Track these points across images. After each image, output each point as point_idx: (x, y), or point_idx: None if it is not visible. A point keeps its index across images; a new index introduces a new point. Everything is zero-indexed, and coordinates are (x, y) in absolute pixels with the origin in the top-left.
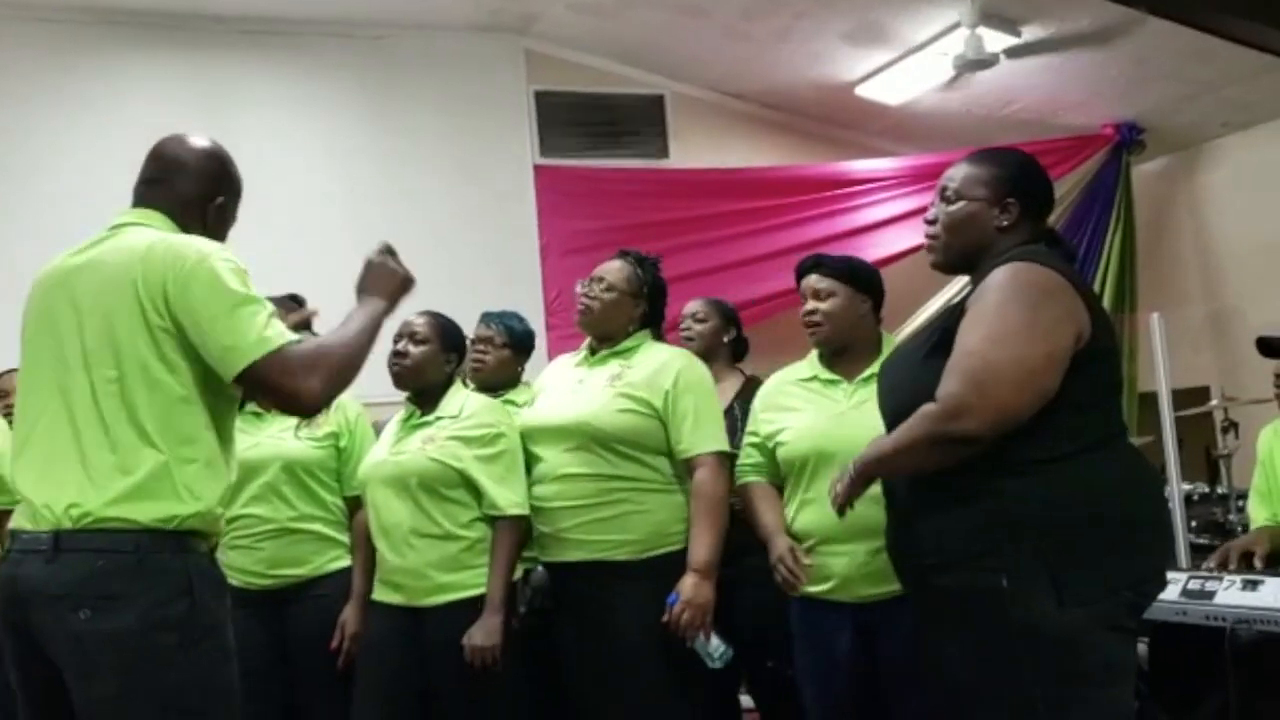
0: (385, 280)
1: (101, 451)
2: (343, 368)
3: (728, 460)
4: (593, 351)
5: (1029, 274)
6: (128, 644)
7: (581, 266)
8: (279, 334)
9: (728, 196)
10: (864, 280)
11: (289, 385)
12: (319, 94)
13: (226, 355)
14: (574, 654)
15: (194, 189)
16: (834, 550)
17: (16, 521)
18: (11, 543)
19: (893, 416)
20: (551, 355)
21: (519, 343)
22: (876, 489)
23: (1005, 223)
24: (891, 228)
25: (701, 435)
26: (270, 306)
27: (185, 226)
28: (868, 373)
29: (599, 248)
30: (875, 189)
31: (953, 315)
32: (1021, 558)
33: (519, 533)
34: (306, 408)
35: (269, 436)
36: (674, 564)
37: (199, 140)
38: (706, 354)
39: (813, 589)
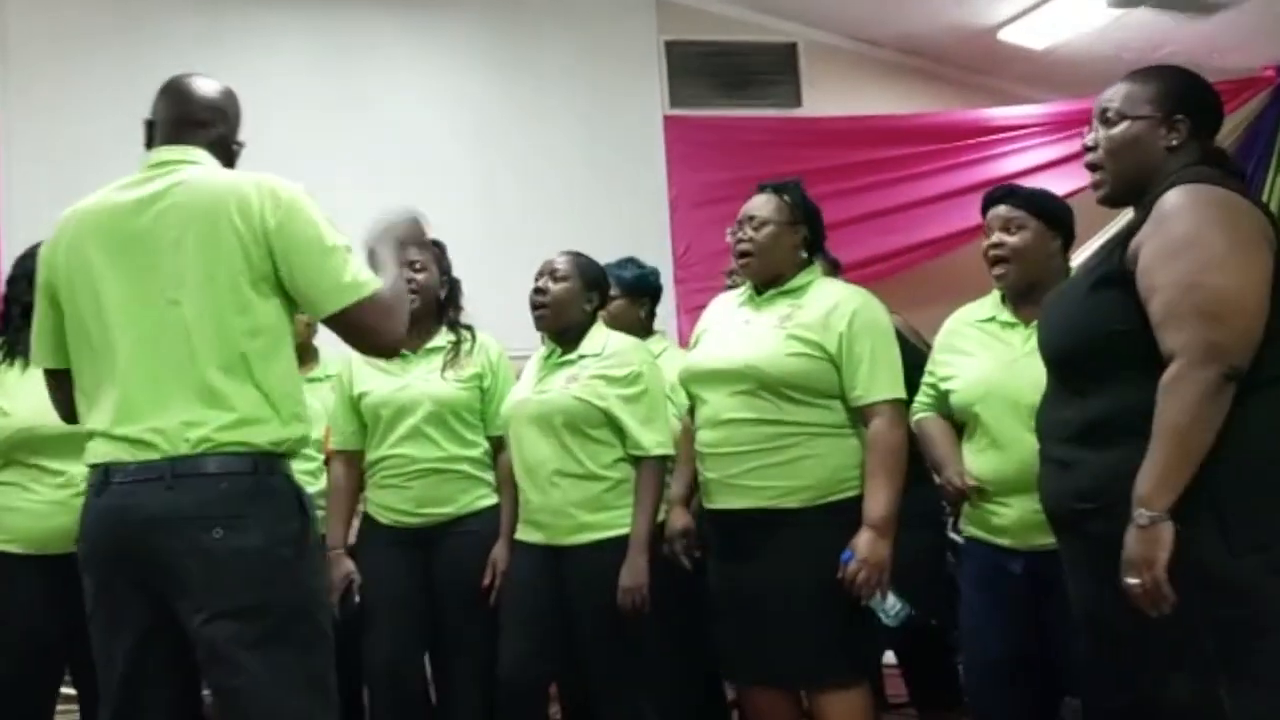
0: (406, 232)
1: (204, 380)
2: (406, 310)
3: (905, 407)
4: (759, 291)
5: (1209, 194)
6: (256, 559)
7: (711, 219)
8: (371, 278)
9: (863, 146)
10: (1057, 215)
11: (385, 328)
12: (448, 45)
13: (323, 296)
14: (738, 602)
15: (230, 133)
16: (1007, 500)
17: (104, 456)
18: (104, 476)
19: (1058, 358)
20: (680, 310)
21: (631, 289)
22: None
23: (1175, 142)
24: (1035, 177)
25: (878, 381)
26: (349, 245)
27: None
28: None
29: (730, 200)
30: (1018, 137)
31: (1120, 246)
32: (1190, 500)
33: (663, 473)
34: (392, 349)
35: (416, 378)
36: (848, 512)
37: (217, 83)
38: None
39: (985, 535)
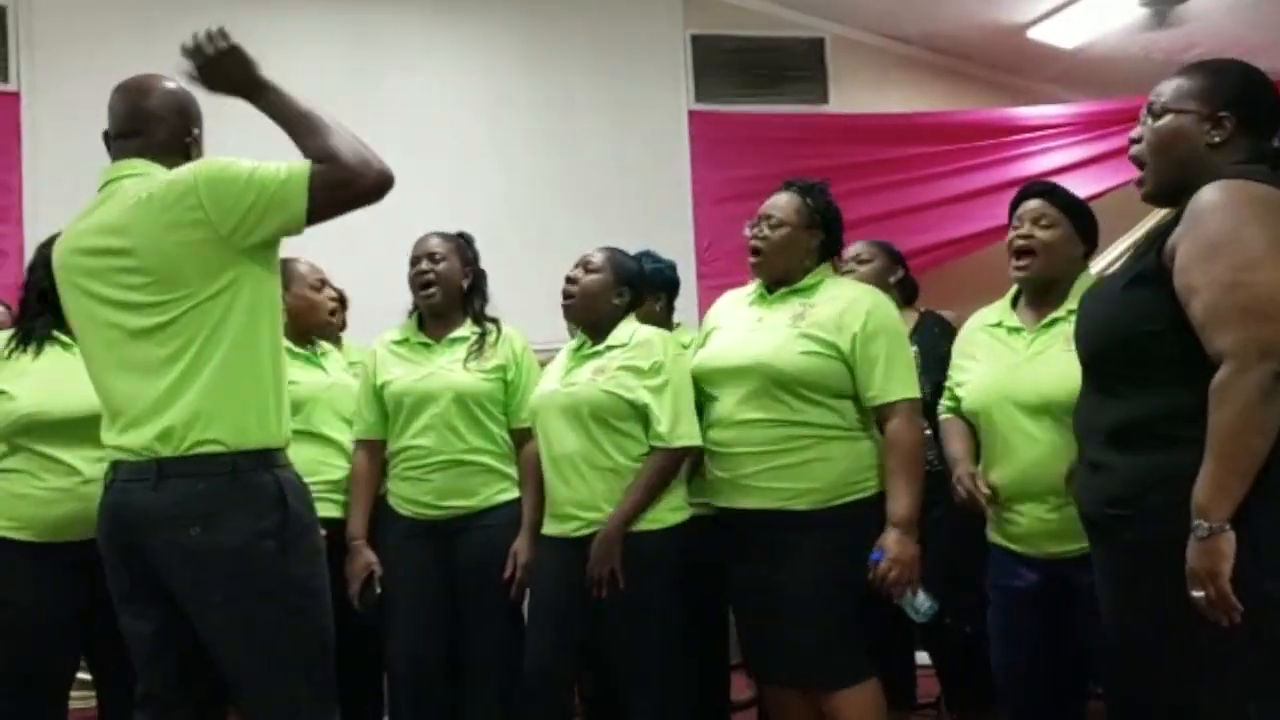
0: (243, 65)
1: (179, 386)
2: (353, 138)
3: (920, 405)
4: (769, 289)
5: (1244, 190)
6: (236, 554)
7: (735, 215)
8: (296, 168)
9: (890, 143)
10: (1087, 224)
11: (343, 180)
12: (472, 36)
13: (284, 214)
14: (749, 602)
15: (170, 133)
16: (1018, 508)
17: (113, 454)
18: (113, 473)
19: (1091, 357)
20: (702, 306)
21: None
22: (1058, 440)
23: (1218, 139)
24: (1062, 177)
25: (894, 381)
26: (265, 164)
27: (171, 166)
28: (1050, 317)
29: (754, 196)
30: (1045, 137)
31: (1155, 244)
32: None
33: (678, 465)
34: (371, 188)
35: (439, 368)
36: (856, 514)
37: (157, 83)
38: None
39: (1004, 542)
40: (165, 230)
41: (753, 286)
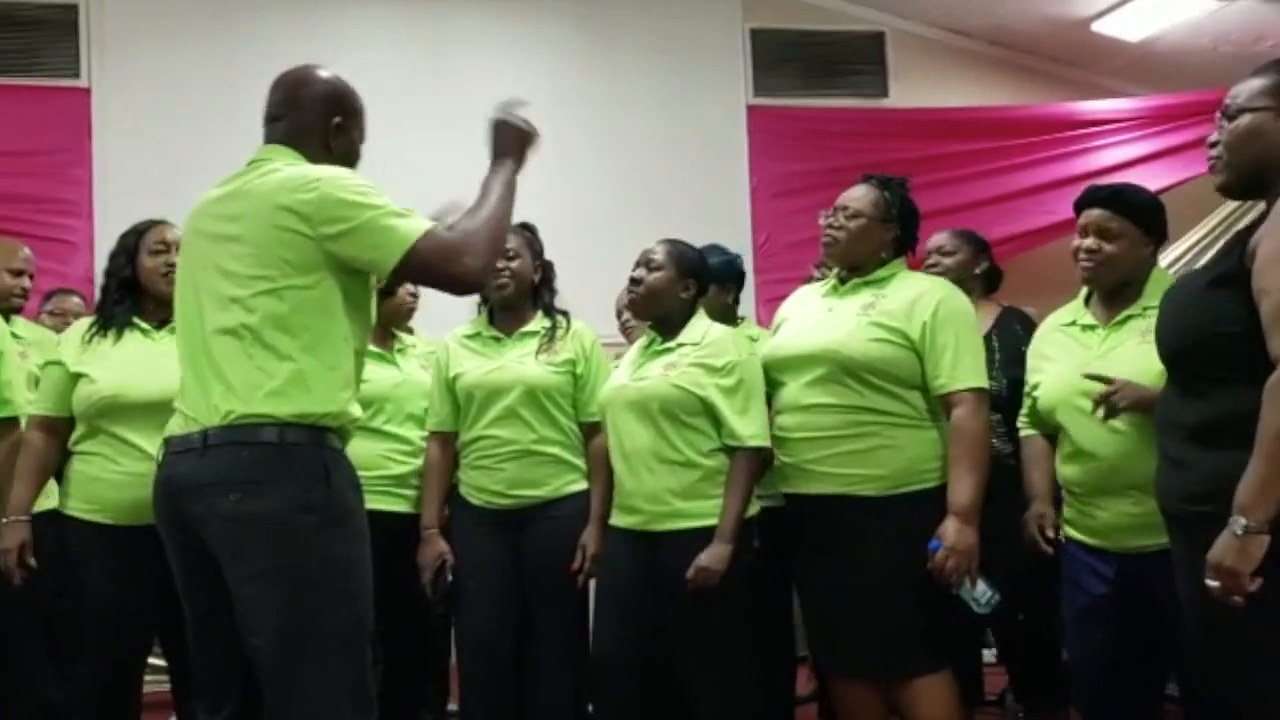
0: (515, 138)
1: (240, 361)
2: (493, 238)
3: (987, 396)
4: (842, 280)
5: None
6: (274, 524)
7: (793, 210)
8: (412, 228)
9: (951, 138)
10: (1155, 222)
11: (447, 269)
12: (533, 32)
13: (375, 259)
14: (817, 590)
15: (309, 118)
16: (1099, 503)
17: (169, 430)
18: (165, 447)
19: (1171, 355)
20: (760, 300)
21: (716, 276)
22: (1140, 436)
23: None
24: (1127, 172)
25: (961, 370)
26: (396, 206)
27: (310, 153)
28: (1123, 314)
29: (812, 190)
30: (1109, 131)
31: (1239, 245)
32: None
33: (758, 464)
34: (470, 285)
35: (510, 361)
36: (923, 502)
37: (309, 71)
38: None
39: (1080, 536)
40: (273, 211)
41: (825, 281)
